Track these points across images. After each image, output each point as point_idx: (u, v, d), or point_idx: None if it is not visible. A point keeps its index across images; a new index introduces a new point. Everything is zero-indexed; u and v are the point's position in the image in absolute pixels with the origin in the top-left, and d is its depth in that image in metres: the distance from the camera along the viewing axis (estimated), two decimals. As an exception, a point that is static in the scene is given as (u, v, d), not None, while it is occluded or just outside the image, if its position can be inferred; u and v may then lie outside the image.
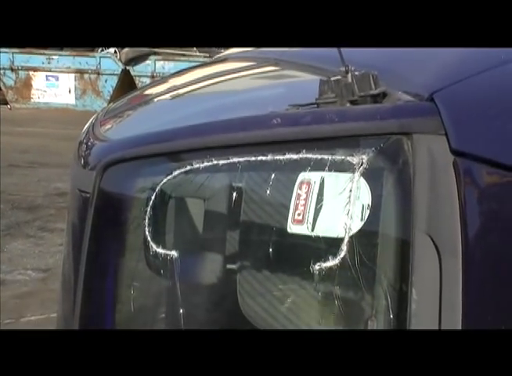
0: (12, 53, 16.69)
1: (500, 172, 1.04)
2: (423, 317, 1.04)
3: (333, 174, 1.20)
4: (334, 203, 1.18)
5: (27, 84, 17.06)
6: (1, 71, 17.02)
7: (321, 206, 1.20)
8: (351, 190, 1.16)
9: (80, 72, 16.67)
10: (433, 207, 1.07)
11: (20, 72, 16.99)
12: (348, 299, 1.19)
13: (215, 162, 1.36)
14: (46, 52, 16.72)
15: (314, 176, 1.22)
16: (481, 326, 1.02)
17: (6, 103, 17.14)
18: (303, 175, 1.23)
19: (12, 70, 16.98)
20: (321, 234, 1.19)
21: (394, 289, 1.10)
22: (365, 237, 1.15)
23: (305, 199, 1.22)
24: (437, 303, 1.03)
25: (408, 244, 1.09)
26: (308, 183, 1.22)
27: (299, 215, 1.22)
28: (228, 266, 1.46)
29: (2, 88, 17.22)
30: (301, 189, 1.23)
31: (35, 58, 16.89)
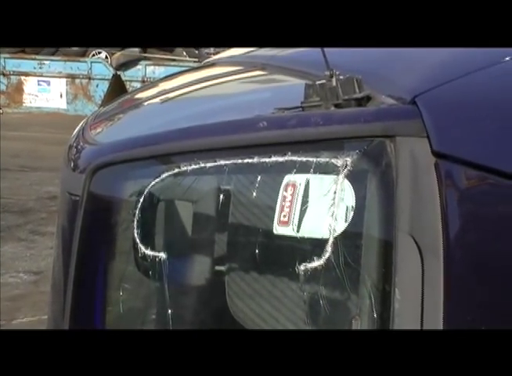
0: (4, 58, 16.63)
1: (480, 174, 1.05)
2: (405, 316, 1.05)
3: (318, 176, 1.20)
4: (319, 204, 1.18)
5: (19, 88, 16.99)
6: (-7, 77, 16.97)
7: (306, 208, 1.20)
8: (335, 192, 1.16)
9: (71, 77, 16.61)
10: (415, 208, 1.08)
11: (12, 77, 16.93)
12: (333, 299, 1.19)
13: (203, 165, 1.36)
14: (37, 57, 16.68)
15: (299, 178, 1.22)
16: (461, 324, 1.02)
17: (-2, 108, 17.08)
18: (288, 178, 1.23)
19: (3, 74, 16.91)
20: (306, 235, 1.19)
21: (377, 289, 1.11)
22: (350, 238, 1.15)
23: (291, 201, 1.22)
24: (419, 302, 1.04)
25: (391, 245, 1.09)
26: (294, 185, 1.22)
27: (285, 216, 1.22)
28: (217, 268, 1.46)
29: (-6, 93, 17.16)
30: (286, 191, 1.23)
31: (27, 63, 16.83)
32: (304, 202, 1.20)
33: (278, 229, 1.23)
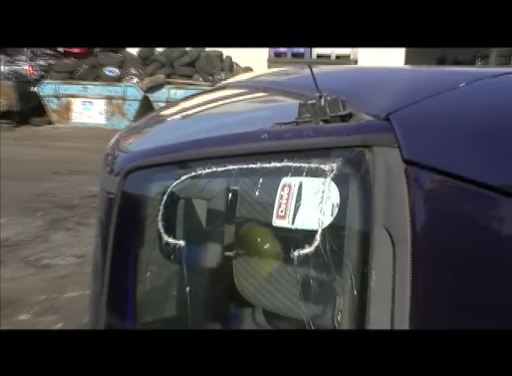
0: (56, 84, 16.80)
1: (442, 178, 1.04)
2: (380, 294, 1.04)
3: (309, 179, 1.19)
4: (310, 202, 1.18)
5: (67, 108, 17.11)
6: (48, 98, 17.08)
7: (299, 204, 1.19)
8: (323, 192, 1.16)
9: (109, 98, 16.70)
10: (388, 205, 1.07)
11: (62, 98, 17.05)
12: (321, 279, 1.19)
13: (215, 169, 1.35)
14: (82, 82, 16.84)
15: (294, 180, 1.21)
16: (425, 299, 1.02)
17: (51, 124, 17.18)
18: (285, 180, 1.23)
19: (56, 97, 17.05)
20: (299, 227, 1.19)
21: (357, 271, 1.10)
22: (335, 230, 1.15)
23: (287, 199, 1.21)
24: (391, 281, 1.03)
25: (368, 235, 1.09)
26: (289, 186, 1.22)
27: (282, 211, 1.21)
28: (226, 253, 1.45)
29: (48, 111, 17.25)
30: (283, 191, 1.22)
31: (74, 87, 16.97)
32: (298, 200, 1.19)
33: (276, 222, 1.23)
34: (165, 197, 1.45)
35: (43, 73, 18.17)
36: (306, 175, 1.19)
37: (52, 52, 19.80)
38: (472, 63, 19.30)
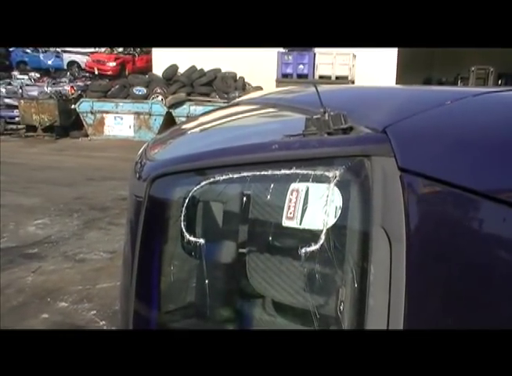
0: (92, 101, 17.01)
1: (432, 183, 1.03)
2: (378, 286, 1.03)
3: (315, 184, 1.18)
4: (316, 205, 1.17)
5: (101, 122, 17.26)
6: (85, 114, 17.25)
7: (306, 207, 1.18)
8: (327, 196, 1.14)
9: (137, 113, 16.82)
10: (385, 208, 1.06)
11: (97, 114, 17.21)
12: (325, 273, 1.17)
13: (231, 176, 1.35)
14: (114, 100, 17.01)
15: (301, 186, 1.20)
16: (419, 290, 1.01)
17: (87, 136, 17.33)
18: (293, 185, 1.22)
19: (91, 113, 17.21)
20: (306, 227, 1.18)
21: (358, 266, 1.09)
22: (338, 229, 1.14)
23: (295, 202, 1.20)
24: (388, 275, 1.02)
25: (368, 234, 1.07)
26: (297, 191, 1.20)
27: (290, 213, 1.20)
28: (240, 250, 1.44)
29: (85, 125, 17.40)
30: (292, 195, 1.21)
31: (107, 104, 17.16)
32: (305, 203, 1.18)
33: (285, 223, 1.21)
34: (187, 200, 1.45)
35: (81, 92, 18.35)
36: (312, 181, 1.18)
37: (88, 75, 20.00)
38: (454, 83, 19.28)
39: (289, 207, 1.20)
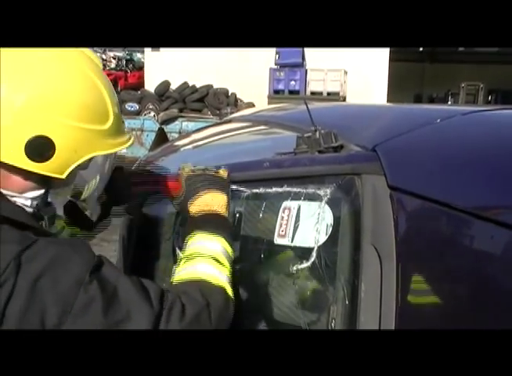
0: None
1: (421, 201, 1.05)
2: (369, 303, 1.04)
3: (307, 202, 1.19)
4: (307, 223, 1.18)
5: (92, 137, 17.13)
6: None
7: (298, 225, 1.19)
8: (318, 214, 1.16)
9: (129, 129, 16.74)
10: (376, 225, 1.07)
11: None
12: (317, 290, 1.18)
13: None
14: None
15: (293, 204, 1.21)
16: (409, 306, 1.01)
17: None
18: (285, 203, 1.23)
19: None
20: (298, 245, 1.19)
21: (349, 283, 1.10)
22: (329, 247, 1.15)
23: (287, 220, 1.21)
24: (378, 293, 1.03)
25: (358, 251, 1.08)
26: (289, 209, 1.21)
27: (282, 231, 1.21)
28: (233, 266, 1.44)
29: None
30: (284, 213, 1.22)
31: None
32: (297, 221, 1.19)
33: (277, 240, 1.22)
34: (180, 218, 1.45)
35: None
36: (304, 199, 1.19)
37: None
38: (445, 98, 19.39)
39: (281, 225, 1.21)
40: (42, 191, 1.04)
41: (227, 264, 1.13)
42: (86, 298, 0.91)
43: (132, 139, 1.18)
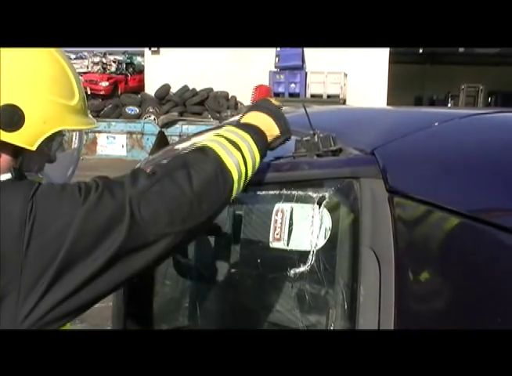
0: (84, 121, 16.85)
1: (419, 204, 1.04)
2: (368, 307, 1.04)
3: (300, 205, 1.19)
4: (305, 226, 1.17)
5: (94, 142, 17.16)
6: (77, 133, 17.14)
7: (296, 228, 1.19)
8: (317, 217, 1.15)
9: (130, 133, 16.77)
10: (374, 229, 1.07)
11: (89, 134, 17.10)
12: (315, 294, 1.18)
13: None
14: (107, 119, 16.93)
15: (288, 207, 1.21)
16: (407, 309, 1.02)
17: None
18: (280, 206, 1.22)
19: (84, 132, 17.09)
20: (294, 248, 1.18)
21: (347, 287, 1.10)
22: (328, 250, 1.15)
23: (281, 223, 1.21)
24: (377, 296, 1.03)
25: (357, 255, 1.08)
26: (282, 212, 1.21)
27: (277, 234, 1.21)
28: (232, 270, 1.45)
29: (77, 144, 17.31)
30: (277, 215, 1.22)
31: (100, 124, 17.03)
32: (294, 224, 1.19)
33: (273, 244, 1.21)
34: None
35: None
36: (302, 203, 1.19)
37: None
38: (445, 100, 19.41)
39: (275, 229, 1.21)
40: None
41: (248, 158, 1.13)
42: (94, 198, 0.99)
43: (96, 123, 1.22)
